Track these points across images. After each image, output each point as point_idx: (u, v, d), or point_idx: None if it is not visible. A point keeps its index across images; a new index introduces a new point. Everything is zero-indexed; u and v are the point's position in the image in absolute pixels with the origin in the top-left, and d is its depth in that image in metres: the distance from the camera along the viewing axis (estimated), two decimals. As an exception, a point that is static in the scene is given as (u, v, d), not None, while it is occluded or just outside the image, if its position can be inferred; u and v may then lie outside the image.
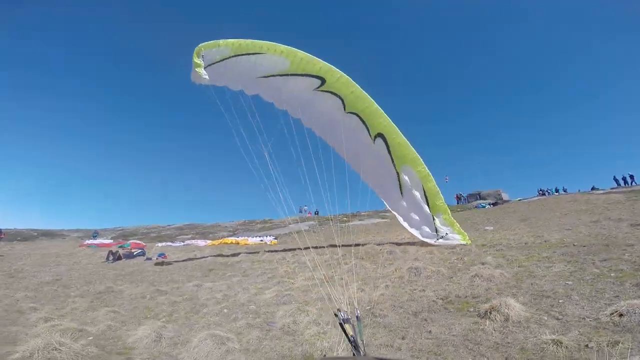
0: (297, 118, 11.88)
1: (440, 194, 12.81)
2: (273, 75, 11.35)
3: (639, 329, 4.56)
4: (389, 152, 12.34)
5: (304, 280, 10.52)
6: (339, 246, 13.34)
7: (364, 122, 12.19)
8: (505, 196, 39.79)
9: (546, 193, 38.35)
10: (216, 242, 25.31)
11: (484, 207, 31.76)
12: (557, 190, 38.90)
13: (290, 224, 36.22)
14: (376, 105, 12.06)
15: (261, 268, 13.84)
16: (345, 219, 26.93)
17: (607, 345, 4.21)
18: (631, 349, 3.98)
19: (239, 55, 10.91)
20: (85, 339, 6.51)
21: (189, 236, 30.91)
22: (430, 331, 5.75)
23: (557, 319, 5.46)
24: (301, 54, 11.32)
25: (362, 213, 36.17)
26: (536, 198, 33.83)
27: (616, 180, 34.82)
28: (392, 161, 12.46)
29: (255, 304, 8.83)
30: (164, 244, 26.22)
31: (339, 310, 3.14)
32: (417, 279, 9.05)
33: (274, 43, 11.22)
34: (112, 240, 30.58)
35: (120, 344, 6.52)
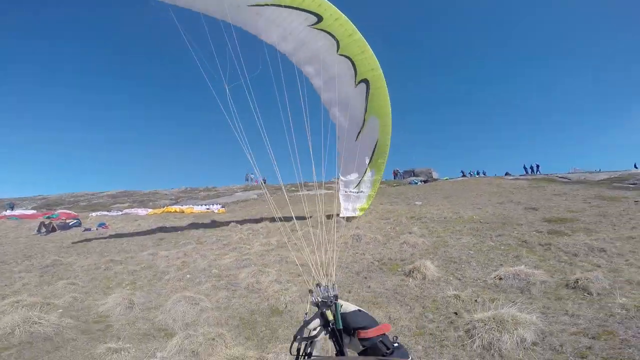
0: (282, 53, 11.42)
1: (386, 155, 13.34)
2: (267, 5, 10.33)
3: (511, 289, 6.53)
4: (366, 98, 12.35)
5: (260, 246, 11.62)
6: (295, 219, 14.49)
7: (354, 66, 11.82)
8: (435, 175, 44.34)
9: (467, 175, 43.88)
10: (159, 210, 24.64)
11: (416, 183, 35.42)
12: (477, 173, 44.66)
13: (236, 191, 36.32)
14: (372, 51, 11.67)
15: (215, 235, 14.49)
16: (293, 188, 28.13)
17: (489, 300, 6.02)
18: (502, 303, 5.71)
19: None
20: (56, 312, 6.81)
21: (126, 204, 29.25)
22: (369, 286, 7.38)
23: (459, 279, 7.43)
24: None
25: (309, 183, 37.67)
26: (460, 179, 38.59)
27: (525, 169, 41.53)
28: (365, 108, 12.50)
29: (216, 268, 9.68)
30: (99, 213, 24.64)
31: (317, 285, 2.11)
32: (359, 245, 10.78)
33: None
34: (35, 211, 27.59)
35: (94, 314, 6.93)
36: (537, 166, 40.24)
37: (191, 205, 26.15)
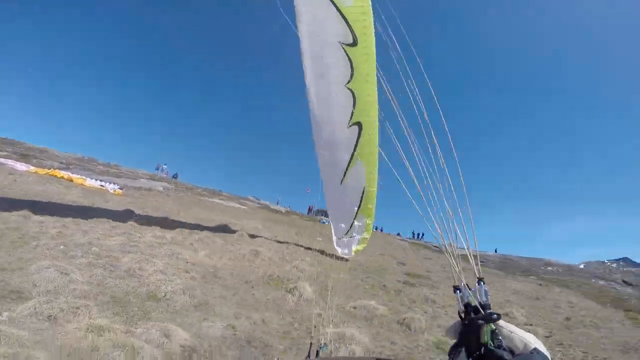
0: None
1: (375, 201, 13.19)
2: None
3: (360, 317, 8.06)
4: (357, 142, 11.95)
5: (153, 238, 11.33)
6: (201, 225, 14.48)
7: (354, 104, 11.36)
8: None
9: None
10: (42, 170, 21.28)
11: (324, 223, 37.97)
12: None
13: (142, 177, 33.37)
14: (376, 96, 11.14)
15: (105, 215, 13.43)
16: (205, 193, 27.41)
17: (341, 322, 7.36)
18: (349, 325, 7.14)
19: None
20: None
21: (4, 153, 24.36)
22: (253, 294, 8.14)
23: (326, 302, 8.70)
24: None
25: (223, 193, 36.92)
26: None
27: (412, 234, 48.55)
28: (353, 151, 12.11)
29: (97, 247, 9.12)
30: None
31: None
32: (255, 260, 11.48)
33: None
34: None
35: None
36: (422, 234, 47.30)
37: (83, 177, 23.24)
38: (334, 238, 13.85)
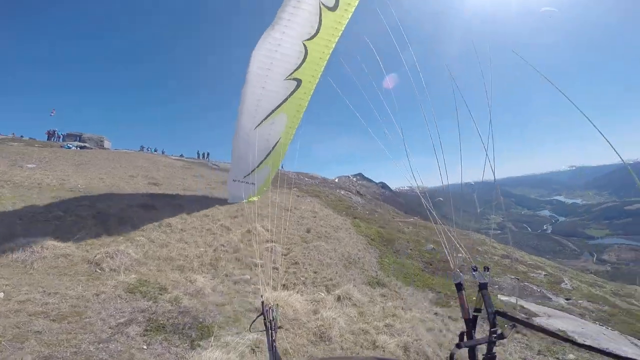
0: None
1: (283, 156, 13.34)
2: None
3: None
4: (289, 95, 11.80)
5: None
6: None
7: (303, 61, 11.24)
8: (107, 144, 39.01)
9: (145, 150, 41.74)
10: None
11: (69, 147, 28.43)
12: (155, 150, 43.49)
13: None
14: (325, 62, 11.72)
15: None
16: None
17: None
18: None
19: None
20: None
21: None
22: None
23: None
24: None
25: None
26: (134, 151, 35.69)
27: (197, 154, 45.05)
28: (281, 103, 11.85)
29: None
30: None
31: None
32: None
33: None
34: None
35: None
36: (207, 154, 45.63)
37: None
38: (229, 179, 13.50)
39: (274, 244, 11.31)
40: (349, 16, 10.82)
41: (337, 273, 10.51)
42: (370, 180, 65.65)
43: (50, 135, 36.13)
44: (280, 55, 10.75)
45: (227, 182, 13.87)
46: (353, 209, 30.93)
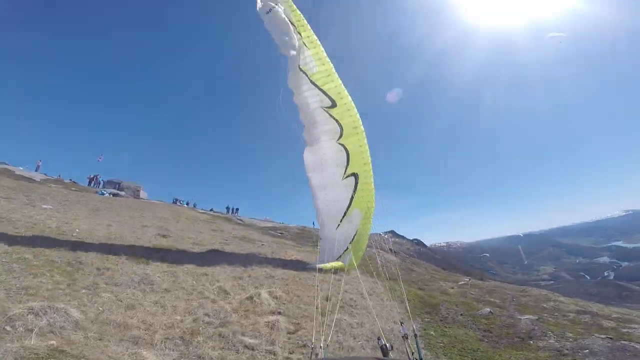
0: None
1: (365, 245, 14.12)
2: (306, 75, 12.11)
3: None
4: (353, 193, 12.70)
5: None
6: None
7: (347, 158, 12.47)
8: (143, 194, 39.29)
9: (178, 202, 41.27)
10: None
11: (102, 194, 28.90)
12: (187, 203, 43.19)
13: None
14: (367, 146, 12.54)
15: None
16: None
17: None
18: None
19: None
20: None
21: None
22: None
23: None
24: (327, 65, 12.32)
25: None
26: (164, 203, 35.82)
27: (227, 208, 43.88)
28: (350, 201, 12.78)
29: None
30: None
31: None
32: None
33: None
34: None
35: None
36: (237, 209, 44.27)
37: None
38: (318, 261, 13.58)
39: (279, 316, 8.47)
40: (347, 97, 12.37)
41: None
42: (403, 237, 60.63)
43: (91, 180, 36.51)
44: (326, 166, 12.47)
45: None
46: (385, 269, 26.71)
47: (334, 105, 12.21)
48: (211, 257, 12.93)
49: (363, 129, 12.60)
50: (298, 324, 8.28)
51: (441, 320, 12.63)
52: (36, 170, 33.66)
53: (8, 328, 4.78)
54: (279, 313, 8.71)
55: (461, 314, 13.26)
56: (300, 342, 7.38)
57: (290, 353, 6.85)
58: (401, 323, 3.71)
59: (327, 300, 10.64)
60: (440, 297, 16.42)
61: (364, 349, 7.84)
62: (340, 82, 12.39)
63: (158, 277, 9.44)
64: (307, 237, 25.44)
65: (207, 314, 7.61)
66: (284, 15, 11.71)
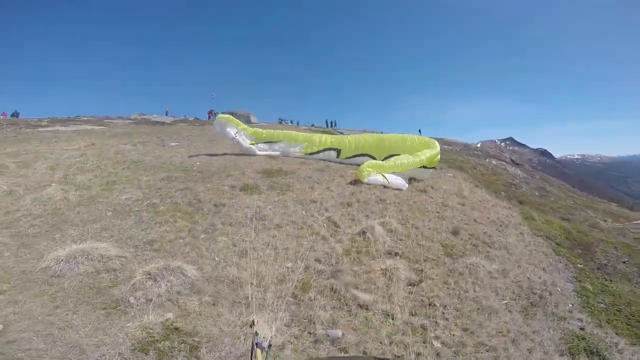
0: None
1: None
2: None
3: None
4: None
5: None
6: None
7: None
8: (253, 119, 43.50)
9: (282, 122, 45.84)
10: None
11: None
12: (291, 122, 46.79)
13: None
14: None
15: None
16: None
17: None
18: None
19: None
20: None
21: None
22: None
23: None
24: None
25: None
26: (269, 124, 39.01)
27: (326, 122, 47.25)
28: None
29: None
30: None
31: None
32: None
33: None
34: None
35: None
36: (334, 122, 46.24)
37: None
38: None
39: (397, 259, 7.38)
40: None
41: (509, 332, 5.79)
42: (524, 146, 50.97)
43: (210, 114, 42.47)
44: None
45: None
46: (515, 187, 22.58)
47: (339, 153, 15.44)
48: (318, 178, 12.37)
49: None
50: (421, 270, 7.05)
51: (598, 269, 9.78)
52: (166, 115, 40.97)
53: (132, 300, 5.04)
54: (397, 254, 7.61)
55: (624, 262, 10.12)
56: (424, 299, 6.25)
57: (412, 315, 5.83)
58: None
59: (454, 235, 8.94)
60: (592, 234, 12.77)
61: (510, 312, 6.22)
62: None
63: (270, 209, 9.34)
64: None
65: (317, 260, 7.10)
66: None
